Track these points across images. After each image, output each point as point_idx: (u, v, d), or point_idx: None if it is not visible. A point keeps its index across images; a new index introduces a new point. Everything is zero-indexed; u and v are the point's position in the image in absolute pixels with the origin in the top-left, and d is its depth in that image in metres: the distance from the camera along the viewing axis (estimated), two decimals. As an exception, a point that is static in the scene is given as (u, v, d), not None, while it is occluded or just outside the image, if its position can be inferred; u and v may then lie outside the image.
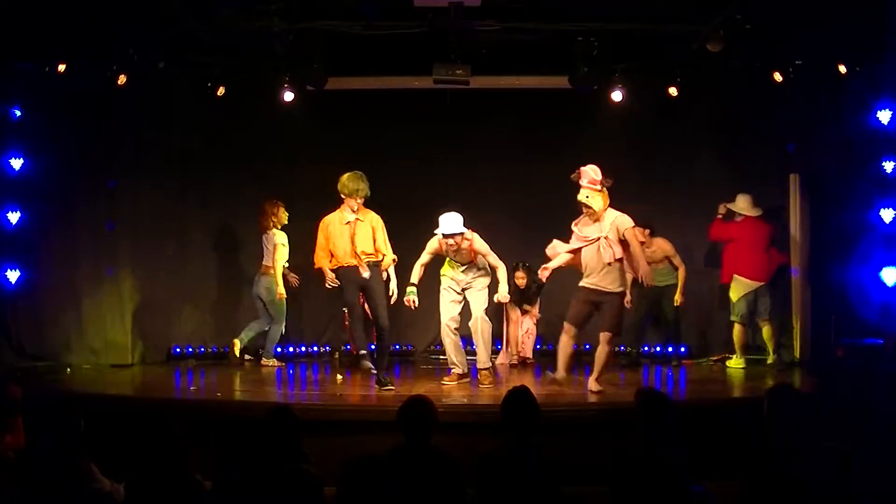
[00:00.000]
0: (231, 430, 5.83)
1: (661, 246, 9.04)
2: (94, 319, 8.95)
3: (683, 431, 4.18)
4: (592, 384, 7.14)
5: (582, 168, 7.04)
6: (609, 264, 6.95)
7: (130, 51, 8.07)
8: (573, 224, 7.18)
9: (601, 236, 6.97)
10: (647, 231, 8.95)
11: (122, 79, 8.26)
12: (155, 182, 9.28)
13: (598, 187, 6.98)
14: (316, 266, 7.50)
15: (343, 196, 7.35)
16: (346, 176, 7.33)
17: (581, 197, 6.99)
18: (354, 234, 7.30)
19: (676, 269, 9.01)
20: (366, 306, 7.78)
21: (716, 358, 9.21)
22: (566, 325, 7.17)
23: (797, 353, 9.03)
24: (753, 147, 9.35)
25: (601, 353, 7.12)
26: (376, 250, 7.39)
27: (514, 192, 9.73)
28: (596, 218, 7.00)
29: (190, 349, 9.53)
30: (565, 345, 7.18)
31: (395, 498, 3.67)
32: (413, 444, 4.19)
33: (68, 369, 8.56)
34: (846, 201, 8.59)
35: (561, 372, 7.17)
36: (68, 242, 8.90)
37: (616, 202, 9.17)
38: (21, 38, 7.65)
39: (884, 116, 8.10)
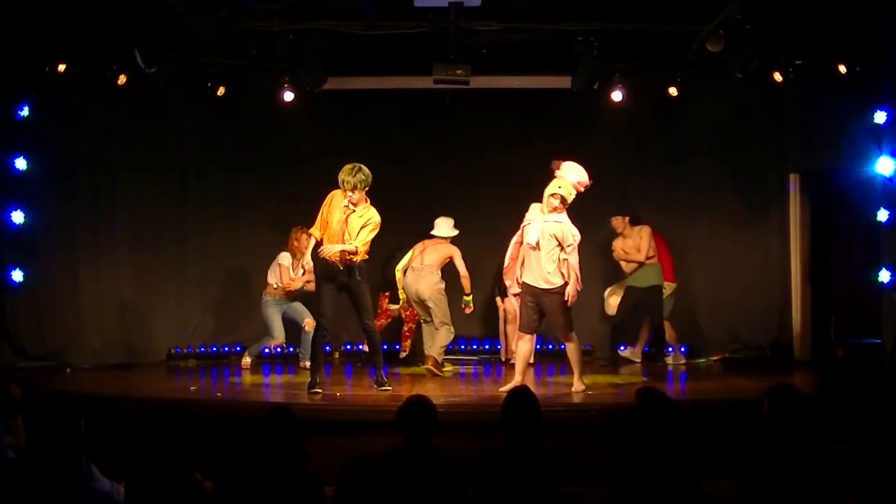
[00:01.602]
0: (231, 430, 5.83)
1: (640, 231, 8.92)
2: (94, 319, 8.95)
3: (684, 431, 4.18)
4: (577, 385, 7.13)
5: (570, 162, 6.99)
6: (537, 257, 6.86)
7: (131, 52, 8.05)
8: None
9: (538, 220, 6.91)
10: (627, 218, 8.96)
11: (122, 79, 8.25)
12: (155, 182, 9.29)
13: (582, 189, 6.97)
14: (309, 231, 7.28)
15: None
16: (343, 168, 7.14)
17: (562, 191, 6.85)
18: (346, 221, 7.04)
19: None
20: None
21: (716, 358, 9.20)
22: (521, 334, 7.16)
23: (797, 353, 9.04)
24: (753, 147, 9.36)
25: (571, 354, 7.10)
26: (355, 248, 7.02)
27: (514, 191, 9.71)
28: (553, 210, 6.89)
29: (190, 349, 9.53)
30: (524, 350, 7.15)
31: (394, 498, 3.67)
32: (413, 444, 4.18)
33: (68, 369, 8.56)
34: (846, 201, 8.61)
35: (519, 377, 7.12)
36: (68, 242, 8.90)
37: (616, 202, 9.25)
38: (21, 38, 7.65)
39: (880, 117, 8.09)
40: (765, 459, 3.85)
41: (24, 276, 8.53)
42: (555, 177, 6.99)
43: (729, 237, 9.44)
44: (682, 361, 9.11)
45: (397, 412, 4.28)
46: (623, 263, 9.05)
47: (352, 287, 7.10)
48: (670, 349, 9.17)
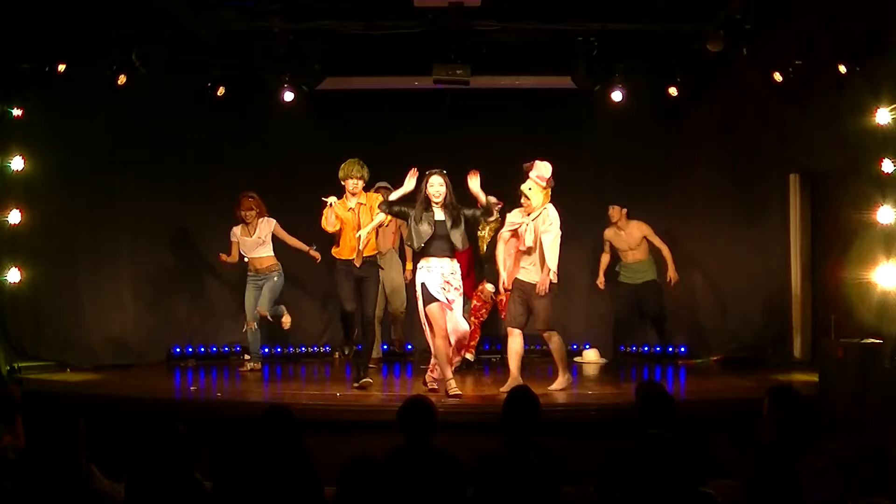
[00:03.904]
0: (231, 430, 5.83)
1: (638, 227, 8.92)
2: (94, 319, 8.95)
3: (684, 431, 4.18)
4: (561, 381, 7.17)
5: (537, 161, 7.13)
6: (528, 253, 7.02)
7: (131, 53, 8.05)
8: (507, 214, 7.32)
9: (525, 222, 7.05)
10: (625, 210, 8.89)
11: (122, 79, 8.25)
12: (155, 182, 9.28)
13: (543, 184, 7.05)
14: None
15: (342, 184, 7.39)
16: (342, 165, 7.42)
17: (524, 187, 7.09)
18: (360, 220, 7.30)
19: (659, 249, 8.88)
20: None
21: (715, 358, 9.20)
22: (510, 329, 7.19)
23: (797, 353, 9.03)
24: (753, 147, 9.35)
25: (556, 348, 7.16)
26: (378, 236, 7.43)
27: (513, 191, 9.72)
28: (529, 211, 7.09)
29: (190, 349, 9.53)
30: (516, 346, 7.17)
31: (394, 498, 3.66)
32: (413, 444, 4.19)
33: (68, 369, 8.56)
34: (846, 201, 8.58)
35: (515, 373, 7.13)
36: (68, 242, 8.89)
37: (616, 202, 9.24)
38: (21, 38, 7.65)
39: (883, 117, 8.06)
40: (765, 459, 3.86)
41: (23, 276, 8.52)
42: (526, 177, 7.17)
43: (729, 237, 9.44)
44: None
45: (397, 412, 4.29)
46: (623, 253, 9.00)
47: (369, 280, 7.31)
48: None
